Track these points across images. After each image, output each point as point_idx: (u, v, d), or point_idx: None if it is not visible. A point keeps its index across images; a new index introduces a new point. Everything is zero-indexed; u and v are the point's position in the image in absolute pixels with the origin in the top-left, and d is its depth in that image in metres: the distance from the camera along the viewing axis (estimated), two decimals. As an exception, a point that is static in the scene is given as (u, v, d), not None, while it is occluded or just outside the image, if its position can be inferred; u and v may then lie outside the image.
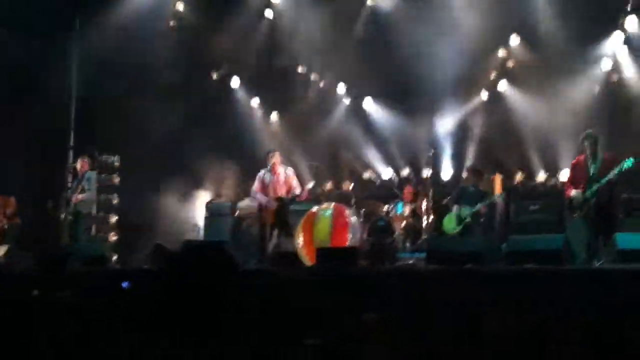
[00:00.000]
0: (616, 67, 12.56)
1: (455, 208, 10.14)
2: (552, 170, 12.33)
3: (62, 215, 10.69)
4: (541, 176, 12.52)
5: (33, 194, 12.70)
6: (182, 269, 2.23)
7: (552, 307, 5.76)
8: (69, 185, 11.49)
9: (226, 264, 2.21)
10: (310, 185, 11.00)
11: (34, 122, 13.04)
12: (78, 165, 11.14)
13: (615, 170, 8.20)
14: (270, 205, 10.10)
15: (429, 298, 6.46)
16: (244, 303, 2.17)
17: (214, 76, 14.55)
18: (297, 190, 10.22)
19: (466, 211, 9.98)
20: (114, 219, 12.70)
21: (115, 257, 10.82)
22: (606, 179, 8.24)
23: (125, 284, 6.27)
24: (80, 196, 10.73)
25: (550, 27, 12.36)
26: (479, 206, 9.86)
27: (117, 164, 12.94)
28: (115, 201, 12.77)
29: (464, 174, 11.11)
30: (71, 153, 13.20)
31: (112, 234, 12.58)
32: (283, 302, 5.66)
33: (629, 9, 12.17)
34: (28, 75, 12.84)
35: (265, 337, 4.34)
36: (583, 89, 12.54)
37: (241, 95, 14.99)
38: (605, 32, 12.51)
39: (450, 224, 10.09)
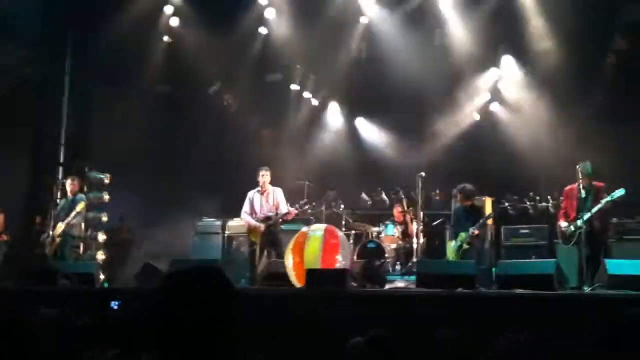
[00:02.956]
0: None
1: (453, 243, 10.01)
2: (544, 193, 12.27)
3: (50, 234, 10.51)
4: (532, 198, 12.43)
5: (20, 210, 12.61)
6: (173, 289, 2.17)
7: (543, 332, 5.74)
8: (57, 202, 11.32)
9: (221, 285, 2.17)
10: (302, 202, 10.79)
11: (24, 136, 12.98)
12: (68, 186, 10.92)
13: (607, 199, 8.29)
14: (258, 227, 10.06)
15: (419, 321, 6.41)
16: (234, 324, 2.12)
17: (209, 92, 14.46)
18: (284, 210, 10.17)
19: (463, 237, 9.83)
20: (102, 237, 12.50)
21: (102, 276, 10.65)
22: (597, 207, 8.35)
23: (114, 304, 6.23)
24: (72, 221, 10.52)
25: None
26: (471, 230, 9.72)
27: (107, 181, 12.76)
28: (104, 219, 12.56)
29: (456, 196, 10.98)
30: (60, 169, 13.11)
31: (101, 252, 12.38)
32: (272, 322, 5.60)
33: None
34: (18, 88, 12.78)
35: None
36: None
37: (235, 111, 14.95)
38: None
39: (451, 253, 10.00)
